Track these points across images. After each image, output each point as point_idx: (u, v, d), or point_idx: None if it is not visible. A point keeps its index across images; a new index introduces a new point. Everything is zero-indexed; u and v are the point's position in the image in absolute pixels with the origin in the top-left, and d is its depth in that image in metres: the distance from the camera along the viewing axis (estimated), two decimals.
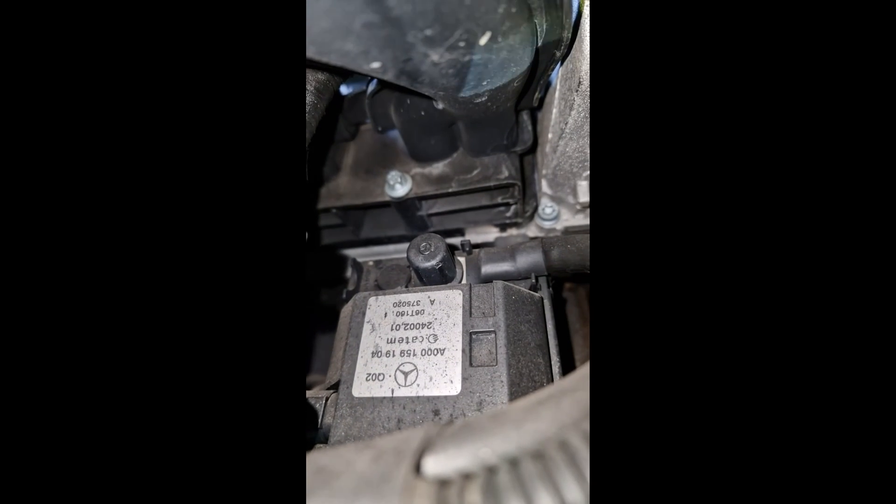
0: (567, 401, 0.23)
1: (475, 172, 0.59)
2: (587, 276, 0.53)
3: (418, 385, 0.40)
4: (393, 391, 0.40)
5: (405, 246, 0.52)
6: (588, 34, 0.40)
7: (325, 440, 0.40)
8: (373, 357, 0.42)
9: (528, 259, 0.49)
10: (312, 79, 0.45)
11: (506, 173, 0.57)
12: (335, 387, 0.44)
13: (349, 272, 0.64)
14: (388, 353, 0.42)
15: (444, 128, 0.56)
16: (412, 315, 0.44)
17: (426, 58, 0.34)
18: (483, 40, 0.33)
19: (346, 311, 0.51)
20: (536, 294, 0.49)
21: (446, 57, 0.34)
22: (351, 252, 0.72)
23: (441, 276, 0.48)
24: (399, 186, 0.59)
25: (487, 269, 0.50)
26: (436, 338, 0.42)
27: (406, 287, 0.51)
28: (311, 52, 0.31)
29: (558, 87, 0.52)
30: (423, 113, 0.53)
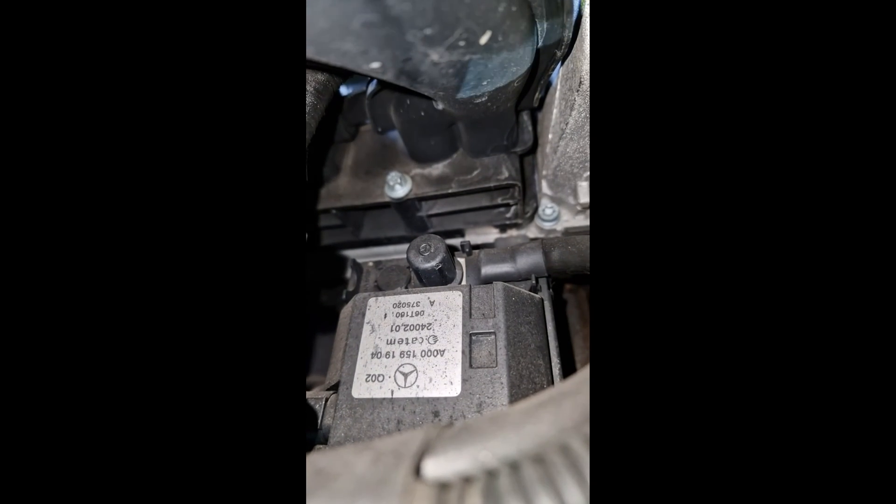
0: (568, 403, 0.23)
1: (475, 173, 0.58)
2: (587, 277, 0.53)
3: (418, 386, 0.39)
4: (392, 392, 0.40)
5: (405, 247, 0.52)
6: (589, 34, 0.40)
7: (325, 441, 0.40)
8: (372, 358, 0.42)
9: (529, 260, 0.49)
10: (312, 79, 0.45)
11: (506, 174, 0.57)
12: (335, 388, 0.44)
13: (349, 273, 0.64)
14: (387, 354, 0.42)
15: (444, 128, 0.56)
16: (412, 316, 0.44)
17: (426, 57, 0.33)
18: (483, 40, 0.33)
19: (345, 311, 0.51)
20: (537, 295, 0.48)
21: (446, 57, 0.34)
22: (351, 253, 0.72)
23: (441, 277, 0.48)
24: (399, 187, 0.59)
25: (487, 270, 0.50)
26: (435, 339, 0.42)
27: (406, 288, 0.50)
28: (311, 53, 0.31)
29: (559, 87, 0.51)
30: (422, 113, 0.52)
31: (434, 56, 0.33)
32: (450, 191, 0.58)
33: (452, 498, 0.19)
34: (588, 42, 0.40)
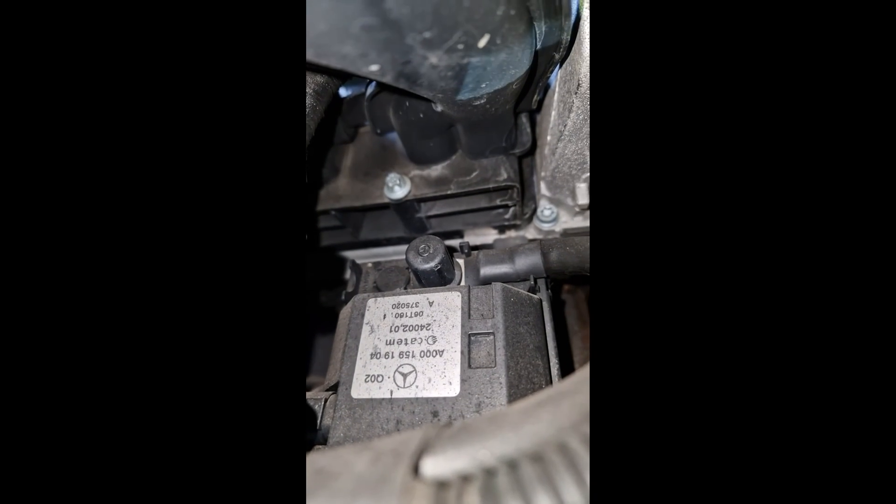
0: (566, 403, 0.23)
1: (474, 174, 0.59)
2: (586, 278, 0.53)
3: (417, 386, 0.39)
4: (392, 392, 0.40)
5: (404, 248, 0.52)
6: (587, 36, 0.40)
7: (324, 441, 0.40)
8: (372, 358, 0.42)
9: (527, 261, 0.50)
10: (311, 81, 0.45)
11: (504, 175, 0.57)
12: (334, 388, 0.44)
13: (348, 274, 0.64)
14: (386, 355, 0.42)
15: (443, 130, 0.56)
16: (411, 317, 0.44)
17: (425, 60, 0.34)
18: (482, 42, 0.33)
19: (345, 312, 0.51)
20: (535, 296, 0.49)
21: (445, 59, 0.34)
22: (350, 254, 0.72)
23: (440, 278, 0.48)
24: (398, 188, 0.59)
25: (486, 270, 0.50)
26: (434, 339, 0.42)
27: (405, 289, 0.51)
28: (310, 55, 0.31)
29: (557, 89, 0.52)
30: (421, 115, 0.53)
31: (433, 59, 0.34)
32: (449, 192, 0.58)
33: (451, 496, 0.20)
34: (586, 45, 0.40)
